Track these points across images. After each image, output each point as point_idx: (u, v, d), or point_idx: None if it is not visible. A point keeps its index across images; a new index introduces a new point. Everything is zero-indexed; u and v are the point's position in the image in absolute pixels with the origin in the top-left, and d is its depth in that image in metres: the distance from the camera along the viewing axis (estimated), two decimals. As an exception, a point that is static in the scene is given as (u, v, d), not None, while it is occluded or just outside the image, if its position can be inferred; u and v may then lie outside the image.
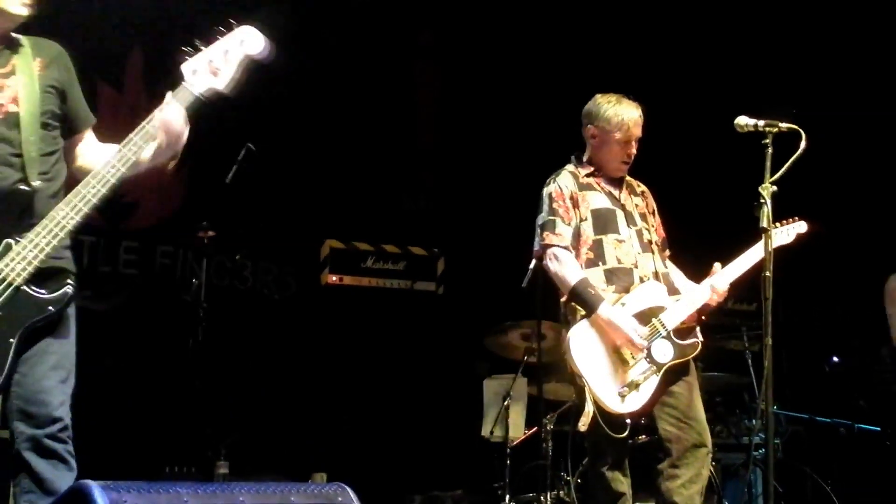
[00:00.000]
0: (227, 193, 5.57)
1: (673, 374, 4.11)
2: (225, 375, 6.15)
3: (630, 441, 4.26)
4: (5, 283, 2.82)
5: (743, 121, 3.85)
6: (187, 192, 6.82)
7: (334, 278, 7.51)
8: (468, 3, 7.46)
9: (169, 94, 3.06)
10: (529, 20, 7.43)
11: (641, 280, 4.17)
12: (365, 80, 7.42)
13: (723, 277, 4.23)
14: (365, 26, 7.30)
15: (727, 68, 7.22)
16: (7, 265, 2.83)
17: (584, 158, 4.38)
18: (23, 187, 2.93)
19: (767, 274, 3.66)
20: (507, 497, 5.51)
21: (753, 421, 5.93)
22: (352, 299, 7.52)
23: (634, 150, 4.32)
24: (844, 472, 6.22)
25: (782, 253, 4.22)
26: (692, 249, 4.61)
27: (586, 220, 4.22)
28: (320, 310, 7.37)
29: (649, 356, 4.04)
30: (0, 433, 4.69)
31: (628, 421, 4.02)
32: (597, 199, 4.26)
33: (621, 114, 4.25)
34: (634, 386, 4.00)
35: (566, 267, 4.12)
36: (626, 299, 4.10)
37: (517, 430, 5.84)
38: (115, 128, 3.23)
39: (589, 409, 3.96)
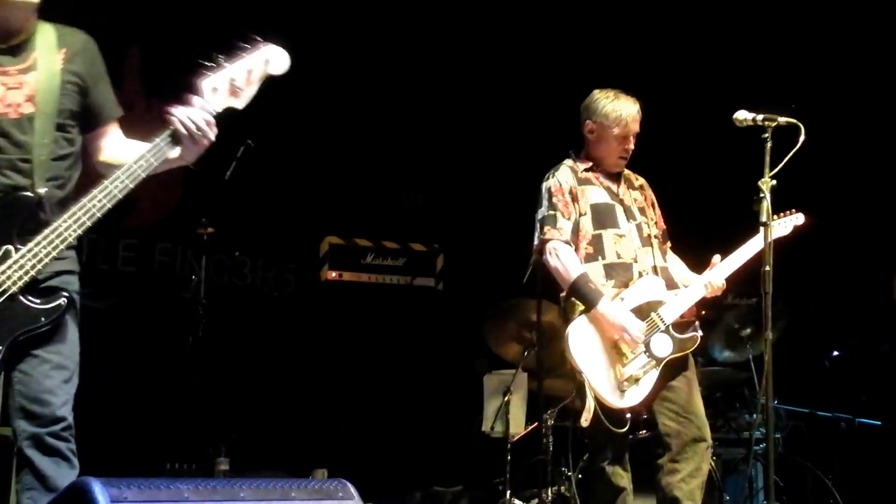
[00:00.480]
0: (226, 190, 5.57)
1: (672, 369, 4.12)
2: (225, 372, 6.15)
3: (631, 436, 4.26)
4: (0, 290, 2.78)
5: (742, 115, 3.86)
6: (186, 190, 6.81)
7: (334, 274, 7.51)
8: (468, 2, 7.45)
9: (188, 110, 2.95)
10: (528, 16, 7.42)
11: (640, 275, 4.17)
12: (363, 76, 7.41)
13: (719, 272, 4.23)
14: (365, 25, 7.29)
15: (726, 63, 7.21)
16: (4, 272, 2.79)
17: (582, 153, 4.38)
18: (28, 194, 2.87)
19: (767, 268, 3.67)
20: (508, 493, 5.51)
21: (754, 415, 5.93)
22: (351, 295, 7.52)
23: (632, 146, 4.32)
24: (845, 466, 6.22)
25: (782, 247, 4.22)
26: (692, 243, 4.62)
27: (585, 214, 4.22)
28: (320, 306, 7.36)
29: (648, 350, 4.05)
30: (1, 430, 4.71)
31: (628, 416, 4.03)
32: (596, 193, 4.27)
33: (619, 109, 4.25)
34: (634, 380, 4.01)
35: (566, 262, 4.12)
36: (625, 294, 4.11)
37: (517, 425, 5.83)
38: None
39: (589, 404, 3.97)
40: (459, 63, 7.71)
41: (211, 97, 2.99)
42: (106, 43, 3.17)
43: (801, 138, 3.73)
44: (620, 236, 4.21)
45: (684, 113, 6.93)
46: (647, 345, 4.04)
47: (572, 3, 7.35)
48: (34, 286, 2.83)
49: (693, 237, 4.72)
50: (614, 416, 4.00)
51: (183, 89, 3.02)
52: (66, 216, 2.85)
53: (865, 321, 6.93)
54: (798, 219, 4.47)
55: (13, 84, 2.93)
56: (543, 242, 4.20)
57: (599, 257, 4.18)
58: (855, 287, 6.97)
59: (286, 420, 6.76)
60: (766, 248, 3.71)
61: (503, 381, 5.86)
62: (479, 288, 7.34)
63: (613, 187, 4.33)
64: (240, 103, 3.02)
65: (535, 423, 5.72)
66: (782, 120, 3.80)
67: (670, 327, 4.10)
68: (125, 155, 3.06)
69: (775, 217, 4.21)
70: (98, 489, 2.19)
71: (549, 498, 5.25)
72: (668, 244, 4.47)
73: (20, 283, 2.79)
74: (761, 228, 3.73)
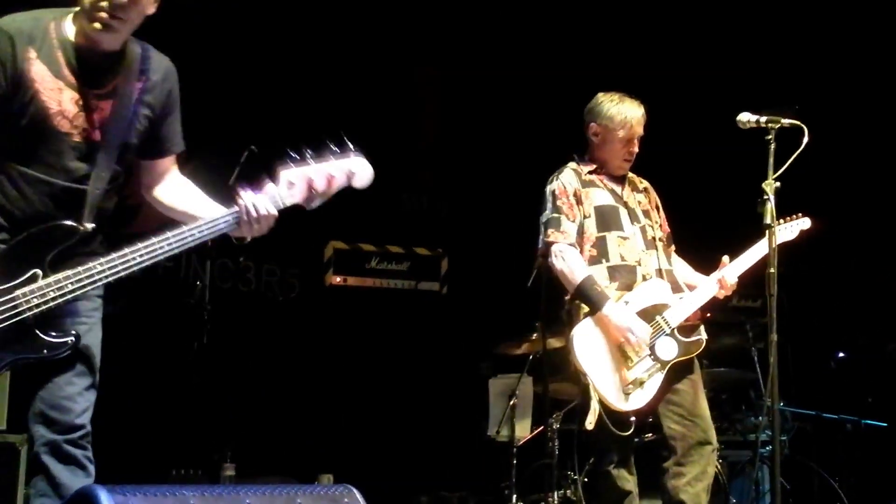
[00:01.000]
0: (230, 196, 5.56)
1: (677, 372, 4.11)
2: (230, 377, 6.15)
3: (637, 439, 4.26)
4: (15, 311, 2.70)
5: (745, 117, 3.86)
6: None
7: (338, 279, 7.51)
8: (470, 2, 7.45)
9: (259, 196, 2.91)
10: (531, 18, 7.42)
11: (644, 278, 4.16)
12: (367, 80, 7.42)
13: (732, 270, 4.23)
14: (367, 27, 7.29)
15: (730, 64, 7.21)
16: (24, 294, 2.71)
17: (587, 156, 4.38)
18: (72, 224, 2.80)
19: (772, 270, 3.67)
20: (514, 496, 5.51)
21: (759, 418, 5.92)
22: (356, 300, 7.53)
23: (636, 148, 4.32)
24: (851, 468, 6.22)
25: (787, 248, 4.22)
26: (696, 246, 4.61)
27: (589, 217, 4.21)
28: (324, 311, 7.37)
29: (653, 354, 4.04)
30: (8, 438, 4.72)
31: (632, 419, 4.02)
32: (600, 196, 4.26)
33: (624, 112, 4.25)
34: (639, 384, 4.00)
35: (572, 264, 4.12)
36: (630, 297, 4.10)
37: (523, 429, 5.83)
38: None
39: (595, 407, 3.96)
40: (462, 66, 7.71)
41: (285, 190, 2.96)
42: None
43: (805, 140, 3.73)
44: (624, 239, 4.20)
45: (688, 115, 6.92)
46: (652, 348, 4.04)
47: (577, 5, 7.35)
48: (49, 317, 2.75)
49: (697, 240, 4.71)
50: (619, 419, 3.99)
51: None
52: (104, 260, 2.78)
53: (871, 322, 6.92)
54: (804, 223, 4.46)
55: (87, 108, 2.83)
56: (548, 245, 4.19)
57: (603, 260, 4.17)
58: (861, 288, 6.96)
59: (291, 425, 6.75)
60: (770, 250, 3.71)
61: (508, 385, 5.86)
62: (483, 292, 7.34)
63: (617, 190, 4.33)
64: (310, 205, 2.99)
65: (541, 427, 5.72)
66: (786, 122, 3.80)
67: (675, 331, 4.10)
68: (179, 199, 3.05)
69: (781, 221, 4.22)
70: (104, 497, 2.19)
71: (555, 501, 5.25)
72: (673, 247, 4.47)
73: (36, 311, 2.72)
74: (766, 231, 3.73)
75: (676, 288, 4.23)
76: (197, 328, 5.61)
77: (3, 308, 2.70)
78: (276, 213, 2.96)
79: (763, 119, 3.81)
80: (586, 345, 4.03)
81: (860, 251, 6.93)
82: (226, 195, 3.05)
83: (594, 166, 4.33)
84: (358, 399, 7.09)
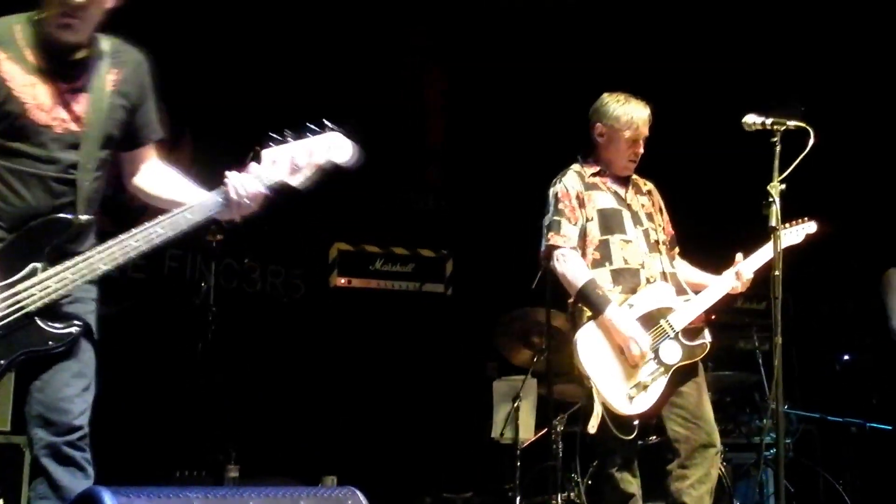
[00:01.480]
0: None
1: (681, 375, 4.10)
2: (234, 379, 6.15)
3: (641, 442, 4.25)
4: (18, 305, 2.75)
5: (751, 119, 3.85)
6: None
7: (343, 281, 7.52)
8: (474, 2, 7.46)
9: (244, 175, 2.96)
10: (536, 18, 7.42)
11: (648, 281, 4.15)
12: (372, 80, 7.42)
13: (747, 265, 4.22)
14: (371, 26, 7.30)
15: (735, 66, 7.20)
16: (26, 289, 2.76)
17: (591, 157, 4.37)
18: (68, 216, 2.85)
19: (777, 273, 3.66)
20: (518, 499, 5.50)
21: (764, 420, 5.91)
22: (360, 302, 7.53)
23: (642, 150, 4.31)
24: (856, 470, 6.21)
25: (792, 251, 4.21)
26: (702, 248, 4.60)
27: (592, 219, 4.20)
28: (329, 312, 7.37)
29: (657, 357, 4.03)
30: (12, 439, 4.73)
31: (636, 422, 4.02)
32: (603, 198, 4.25)
33: (630, 112, 4.24)
34: (642, 387, 3.99)
35: (573, 267, 4.11)
36: (634, 300, 4.09)
37: (527, 431, 5.83)
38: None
39: (597, 410, 3.96)
40: (469, 67, 7.71)
41: (269, 168, 3.01)
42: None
43: (811, 142, 3.72)
44: (627, 242, 4.19)
45: (693, 117, 6.92)
46: (656, 352, 4.03)
47: (582, 5, 7.35)
48: (52, 309, 2.80)
49: (703, 242, 4.70)
50: (622, 422, 3.98)
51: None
52: (100, 248, 2.83)
53: (876, 325, 6.90)
54: (810, 227, 4.45)
55: (63, 101, 2.90)
56: (550, 248, 4.19)
57: (606, 263, 4.16)
58: (865, 290, 6.95)
59: (295, 427, 6.76)
60: (775, 253, 3.70)
61: (513, 387, 5.85)
62: (488, 293, 7.34)
63: (621, 192, 4.32)
64: (294, 181, 3.02)
65: (545, 429, 5.72)
66: (791, 124, 3.79)
67: (679, 334, 4.09)
68: (163, 187, 3.09)
69: (787, 225, 4.21)
70: (108, 498, 2.20)
71: (559, 504, 5.25)
72: (677, 250, 4.46)
73: (39, 304, 2.77)
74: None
75: (680, 291, 4.22)
76: (202, 329, 5.62)
77: (6, 303, 2.75)
78: (263, 190, 3.01)
79: (769, 121, 3.80)
80: (590, 348, 4.02)
81: (865, 254, 6.91)
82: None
83: (598, 168, 4.32)
84: (361, 401, 7.09)
